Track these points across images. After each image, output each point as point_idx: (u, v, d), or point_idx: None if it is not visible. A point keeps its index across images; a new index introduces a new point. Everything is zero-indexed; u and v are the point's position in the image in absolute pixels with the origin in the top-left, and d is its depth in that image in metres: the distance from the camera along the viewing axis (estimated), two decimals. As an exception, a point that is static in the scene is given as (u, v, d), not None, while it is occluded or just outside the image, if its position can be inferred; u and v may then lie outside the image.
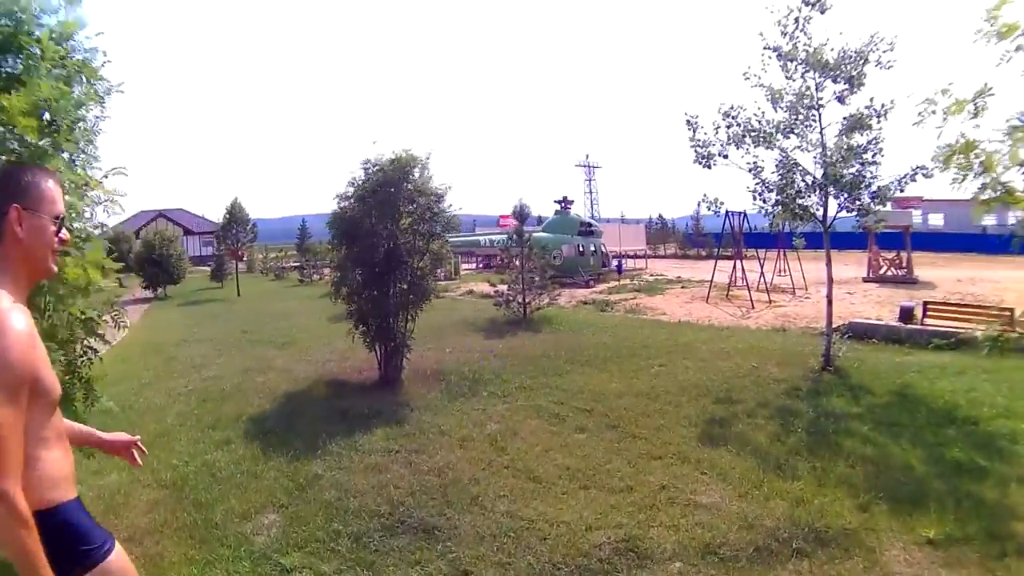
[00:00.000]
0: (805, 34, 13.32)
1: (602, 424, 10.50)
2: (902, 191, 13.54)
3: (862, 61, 13.06)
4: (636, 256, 57.69)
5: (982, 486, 8.02)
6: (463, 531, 7.08)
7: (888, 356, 15.31)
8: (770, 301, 27.95)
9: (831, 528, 6.92)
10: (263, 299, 35.69)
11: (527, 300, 21.93)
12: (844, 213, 13.80)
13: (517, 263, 22.56)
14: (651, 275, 44.71)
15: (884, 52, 12.98)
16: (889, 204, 14.01)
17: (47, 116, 5.05)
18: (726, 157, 14.28)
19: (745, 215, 30.28)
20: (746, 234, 31.61)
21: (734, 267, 30.71)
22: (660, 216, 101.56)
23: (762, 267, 31.27)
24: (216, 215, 46.74)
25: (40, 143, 4.90)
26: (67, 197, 4.64)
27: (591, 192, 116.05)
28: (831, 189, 13.38)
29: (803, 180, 13.71)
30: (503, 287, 22.72)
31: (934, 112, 9.14)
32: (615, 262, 47.22)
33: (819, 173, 13.52)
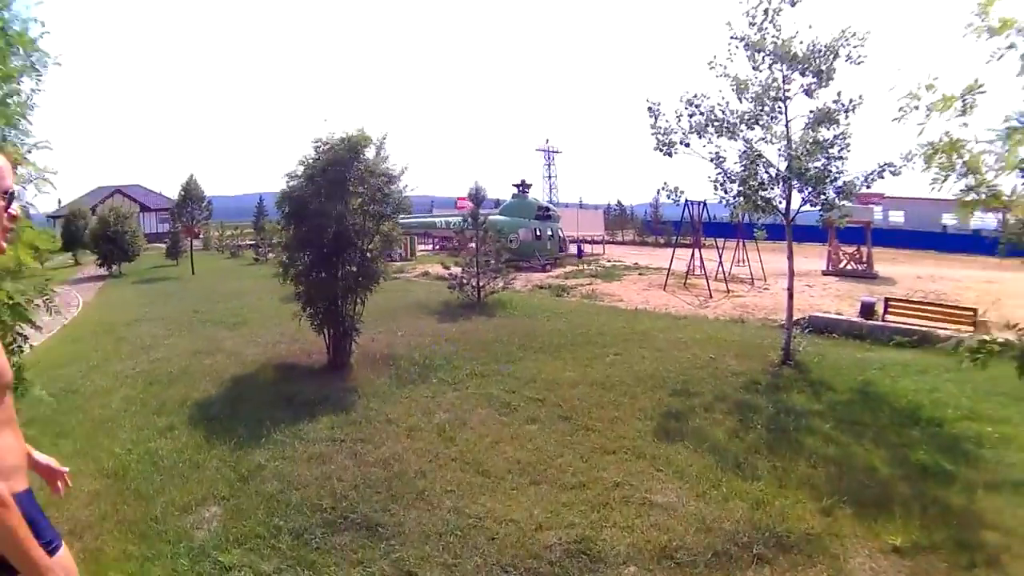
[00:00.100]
0: (774, 25, 13.07)
1: (554, 415, 10.17)
2: (869, 187, 13.38)
3: (832, 55, 12.84)
4: (594, 242, 57.63)
5: (948, 491, 7.80)
6: (408, 528, 6.75)
7: (849, 352, 15.16)
8: (728, 291, 27.90)
9: (793, 532, 6.63)
10: (217, 277, 35.13)
11: (481, 284, 21.61)
12: (808, 207, 13.57)
13: (472, 246, 22.16)
14: (608, 261, 44.51)
15: (855, 47, 12.78)
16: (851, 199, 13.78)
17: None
18: (687, 146, 14.01)
19: (705, 204, 30.26)
20: (706, 223, 31.64)
21: (692, 256, 30.56)
22: (619, 202, 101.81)
23: (721, 257, 31.30)
24: (174, 192, 46.08)
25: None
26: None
27: (551, 177, 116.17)
28: (795, 182, 13.14)
29: (766, 172, 13.48)
30: (457, 270, 22.37)
31: (916, 108, 8.78)
32: (575, 246, 47.10)
33: (783, 166, 13.29)
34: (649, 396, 11.08)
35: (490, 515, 6.96)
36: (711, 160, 13.89)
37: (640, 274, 34.52)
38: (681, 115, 13.89)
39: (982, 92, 8.11)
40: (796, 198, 13.48)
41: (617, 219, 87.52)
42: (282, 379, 12.52)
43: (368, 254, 13.24)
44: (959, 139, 8.23)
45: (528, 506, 7.16)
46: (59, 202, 68.43)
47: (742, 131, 13.53)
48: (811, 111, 13.17)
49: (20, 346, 5.89)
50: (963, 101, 8.20)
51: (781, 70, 13.15)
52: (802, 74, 13.06)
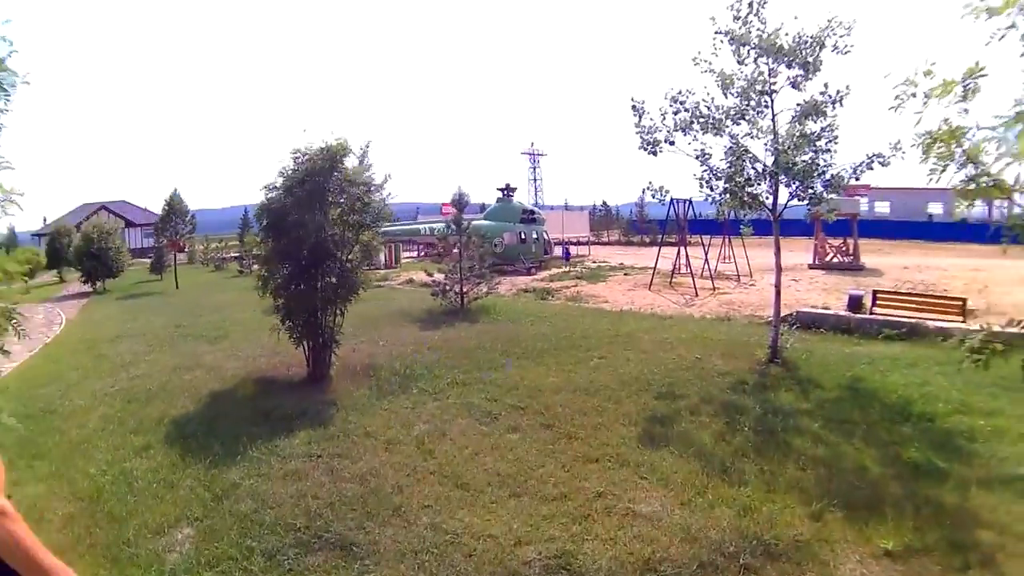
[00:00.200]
0: (759, 18, 12.87)
1: (536, 423, 9.97)
2: (858, 179, 13.21)
3: (818, 46, 12.66)
4: (579, 243, 57.51)
5: (941, 489, 7.63)
6: (383, 547, 6.57)
7: (837, 347, 14.95)
8: (714, 288, 27.70)
9: (781, 540, 6.43)
10: (201, 291, 34.82)
11: (465, 289, 21.40)
12: (796, 202, 13.39)
13: (456, 252, 21.91)
14: (594, 262, 44.25)
15: (841, 36, 12.61)
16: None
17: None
18: (672, 143, 13.79)
19: (691, 202, 30.07)
20: (691, 221, 31.49)
21: (678, 254, 30.35)
22: (604, 203, 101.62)
23: (706, 254, 31.12)
24: (159, 207, 45.95)
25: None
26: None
27: (536, 179, 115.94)
28: (782, 177, 12.93)
29: (753, 168, 13.25)
30: (440, 276, 22.19)
31: (914, 95, 8.49)
32: (562, 248, 47.01)
33: (770, 161, 13.07)
34: (634, 400, 10.88)
35: (468, 531, 6.77)
36: (696, 157, 13.67)
37: (626, 274, 34.28)
38: (666, 113, 13.69)
39: (983, 76, 7.85)
40: (783, 193, 13.31)
41: (603, 220, 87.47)
42: (261, 393, 12.33)
43: (347, 264, 13.06)
44: (959, 127, 7.97)
45: (507, 520, 6.97)
46: (44, 220, 68.17)
47: (728, 127, 13.35)
48: (798, 104, 13.01)
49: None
50: (964, 86, 7.92)
51: (767, 63, 12.98)
52: (788, 66, 12.91)
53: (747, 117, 13.25)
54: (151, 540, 6.95)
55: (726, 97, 13.41)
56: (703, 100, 13.51)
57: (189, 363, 15.29)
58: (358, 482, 8.07)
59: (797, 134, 12.81)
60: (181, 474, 8.69)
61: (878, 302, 18.73)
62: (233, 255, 54.78)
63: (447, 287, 21.44)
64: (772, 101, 13.15)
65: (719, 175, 13.56)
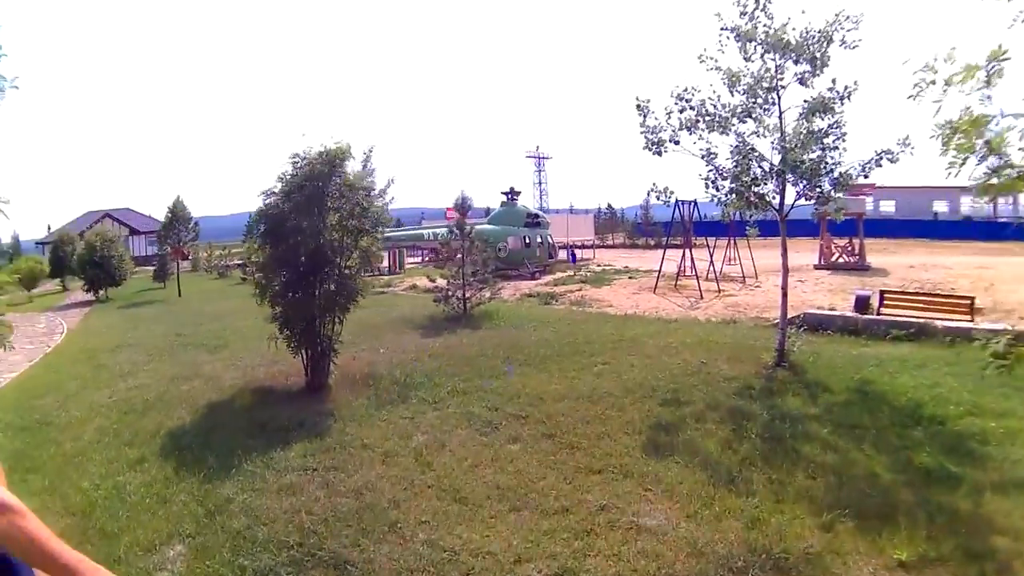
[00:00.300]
0: (766, 13, 12.68)
1: (538, 433, 9.75)
2: (866, 177, 13.01)
3: (825, 41, 12.45)
4: (584, 246, 57.45)
5: (954, 496, 7.41)
6: (378, 565, 6.37)
7: (845, 348, 14.70)
8: (719, 291, 27.46)
9: (791, 553, 6.21)
10: (203, 299, 34.71)
11: (467, 295, 21.21)
12: (803, 201, 13.20)
13: (458, 257, 21.72)
14: (598, 265, 43.99)
15: (848, 31, 12.38)
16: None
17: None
18: (677, 143, 13.58)
19: (696, 204, 29.88)
20: (696, 223, 31.24)
21: (683, 256, 30.18)
22: (609, 206, 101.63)
23: (711, 256, 30.92)
24: (163, 214, 45.97)
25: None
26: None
27: (541, 183, 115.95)
28: (789, 176, 12.73)
29: (759, 167, 13.05)
30: (443, 282, 22.03)
31: (933, 83, 8.16)
32: (568, 252, 46.94)
33: (776, 159, 12.86)
34: (638, 408, 10.66)
35: (466, 547, 6.58)
36: (702, 157, 13.52)
37: (630, 277, 33.99)
38: (671, 111, 13.50)
39: (1007, 60, 7.54)
40: (790, 192, 13.14)
41: (607, 223, 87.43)
42: (258, 404, 12.17)
43: (346, 271, 12.93)
44: (982, 115, 7.66)
45: (507, 536, 6.77)
46: (48, 228, 68.16)
47: (734, 125, 13.16)
48: (805, 100, 12.84)
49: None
50: (987, 71, 7.59)
51: (774, 59, 12.78)
52: (795, 62, 12.71)
53: (754, 115, 13.06)
54: (142, 558, 6.79)
55: (732, 95, 13.23)
56: (709, 98, 13.31)
57: (188, 373, 15.14)
58: (354, 496, 7.88)
59: (804, 131, 12.60)
60: (175, 488, 8.53)
61: (885, 302, 18.49)
62: (237, 262, 54.87)
63: (449, 293, 21.23)
64: (779, 98, 12.94)
65: (725, 175, 13.37)
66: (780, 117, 12.98)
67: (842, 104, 12.56)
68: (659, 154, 13.66)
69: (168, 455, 9.80)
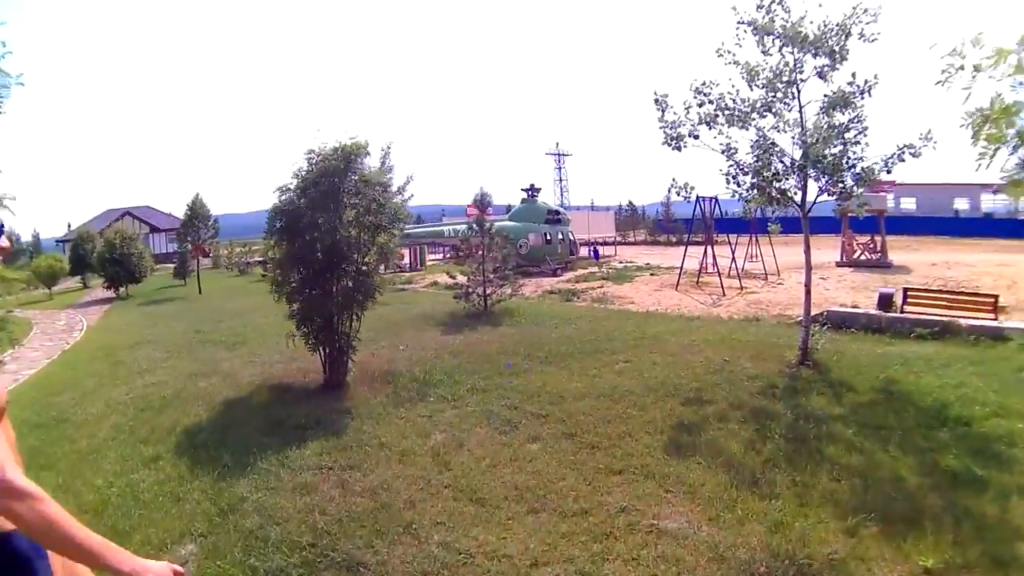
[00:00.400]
0: (783, 6, 12.48)
1: (558, 432, 9.62)
2: (889, 172, 12.79)
3: (844, 34, 12.25)
4: (605, 243, 57.46)
5: (981, 500, 7.23)
6: (392, 567, 6.26)
7: (869, 347, 14.50)
8: (741, 288, 27.30)
9: (815, 559, 6.06)
10: (223, 296, 35.03)
11: (488, 292, 21.14)
12: (825, 196, 13.04)
13: (479, 253, 21.63)
14: (620, 262, 44.09)
15: (867, 24, 12.18)
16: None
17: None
18: (697, 137, 13.37)
19: (716, 200, 29.76)
20: (717, 220, 31.17)
21: (705, 253, 30.01)
22: (630, 203, 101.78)
23: (733, 253, 30.76)
24: (184, 212, 46.21)
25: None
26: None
27: (561, 180, 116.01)
28: (811, 171, 12.56)
29: (780, 162, 12.86)
30: (463, 279, 22.00)
31: (962, 68, 7.88)
32: (590, 249, 46.95)
33: (798, 154, 12.68)
34: (659, 407, 10.50)
35: (482, 550, 6.46)
36: (722, 152, 13.31)
37: (652, 274, 33.86)
38: (690, 106, 13.33)
39: None
40: (812, 188, 12.99)
41: (628, 219, 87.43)
42: (275, 401, 12.12)
43: (364, 267, 12.81)
44: (1015, 102, 7.40)
45: (524, 538, 6.64)
46: (68, 226, 68.53)
47: (754, 119, 12.98)
48: (825, 95, 12.67)
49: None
50: (1019, 55, 7.30)
51: (792, 53, 12.59)
52: (814, 56, 12.54)
53: (773, 109, 12.88)
54: (153, 557, 6.57)
55: (751, 89, 13.05)
56: (728, 92, 13.14)
57: (206, 370, 15.16)
58: (369, 496, 7.79)
59: (825, 126, 12.42)
60: (188, 486, 8.48)
61: (909, 300, 18.31)
62: (257, 259, 55.09)
63: (470, 289, 21.17)
64: (799, 92, 12.77)
65: (746, 170, 13.22)
66: (800, 111, 12.81)
67: (862, 99, 12.37)
68: (678, 149, 13.50)
69: (183, 453, 9.76)
